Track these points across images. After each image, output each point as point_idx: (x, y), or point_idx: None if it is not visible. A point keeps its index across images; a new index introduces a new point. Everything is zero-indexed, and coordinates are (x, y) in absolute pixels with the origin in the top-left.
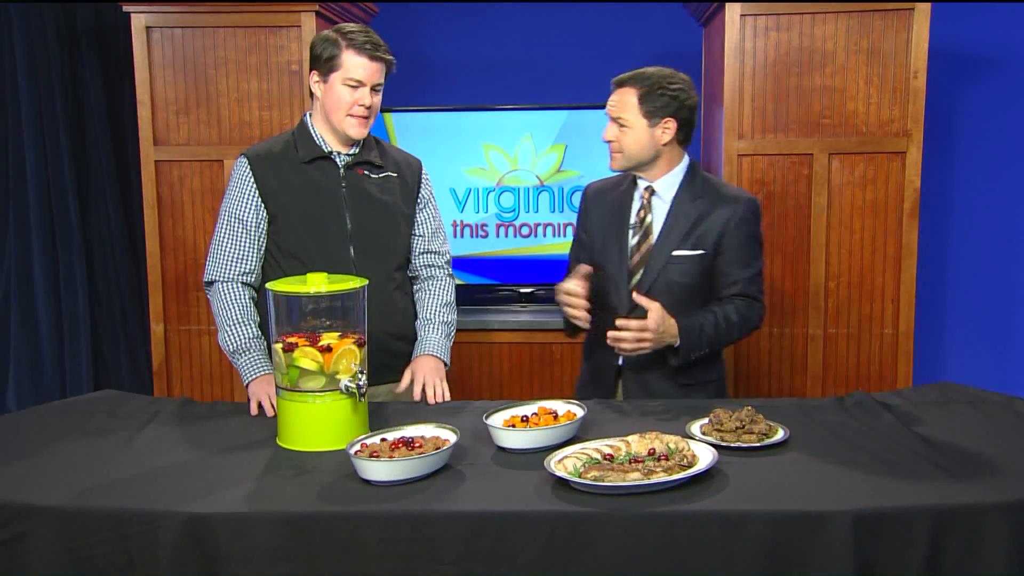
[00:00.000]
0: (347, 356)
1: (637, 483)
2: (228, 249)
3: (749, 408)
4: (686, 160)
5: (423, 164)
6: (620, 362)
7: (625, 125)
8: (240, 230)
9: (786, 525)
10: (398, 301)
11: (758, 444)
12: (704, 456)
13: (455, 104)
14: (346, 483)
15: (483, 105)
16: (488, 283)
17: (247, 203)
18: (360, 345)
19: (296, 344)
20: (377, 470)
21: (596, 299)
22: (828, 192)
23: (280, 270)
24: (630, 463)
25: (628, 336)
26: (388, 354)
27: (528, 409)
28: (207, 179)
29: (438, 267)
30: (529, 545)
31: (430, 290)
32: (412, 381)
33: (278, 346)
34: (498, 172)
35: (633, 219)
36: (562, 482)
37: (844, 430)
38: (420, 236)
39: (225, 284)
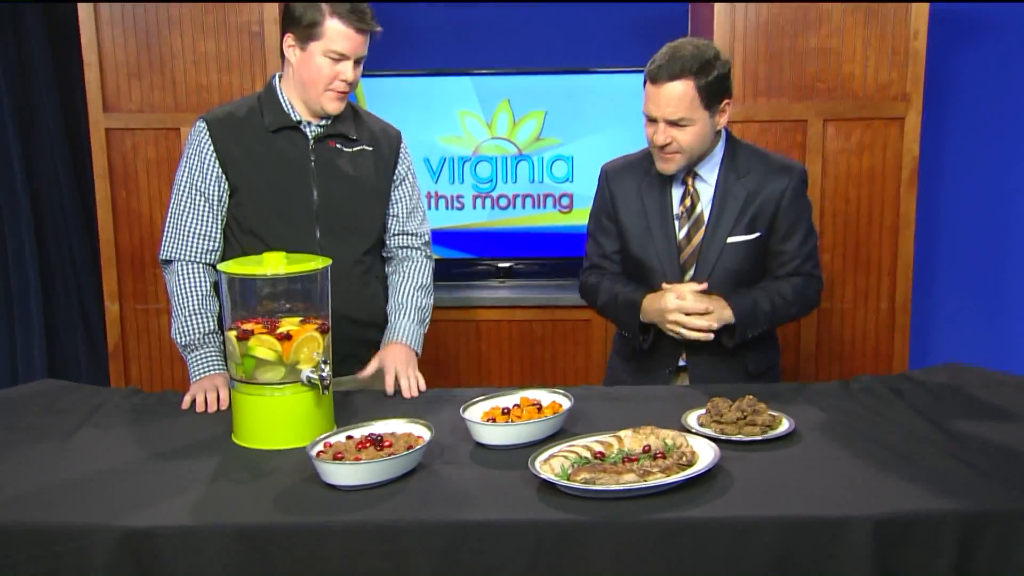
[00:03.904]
0: (309, 344)
1: (632, 486)
2: (190, 224)
3: (750, 397)
4: (723, 132)
5: (403, 136)
6: (682, 362)
7: (687, 124)
8: (202, 203)
9: (800, 532)
10: (368, 286)
11: (762, 437)
12: (704, 453)
13: (429, 68)
14: (308, 488)
15: (458, 69)
16: (464, 257)
17: (207, 172)
18: (323, 332)
19: (252, 331)
20: (342, 474)
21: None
22: (822, 160)
23: (239, 248)
24: (623, 462)
25: (690, 322)
26: (355, 343)
27: (509, 400)
28: (163, 148)
29: (415, 248)
30: (513, 558)
31: (404, 272)
32: (381, 371)
33: (232, 333)
34: (475, 140)
35: (677, 209)
36: (549, 485)
37: (854, 419)
38: (395, 216)
39: (185, 265)
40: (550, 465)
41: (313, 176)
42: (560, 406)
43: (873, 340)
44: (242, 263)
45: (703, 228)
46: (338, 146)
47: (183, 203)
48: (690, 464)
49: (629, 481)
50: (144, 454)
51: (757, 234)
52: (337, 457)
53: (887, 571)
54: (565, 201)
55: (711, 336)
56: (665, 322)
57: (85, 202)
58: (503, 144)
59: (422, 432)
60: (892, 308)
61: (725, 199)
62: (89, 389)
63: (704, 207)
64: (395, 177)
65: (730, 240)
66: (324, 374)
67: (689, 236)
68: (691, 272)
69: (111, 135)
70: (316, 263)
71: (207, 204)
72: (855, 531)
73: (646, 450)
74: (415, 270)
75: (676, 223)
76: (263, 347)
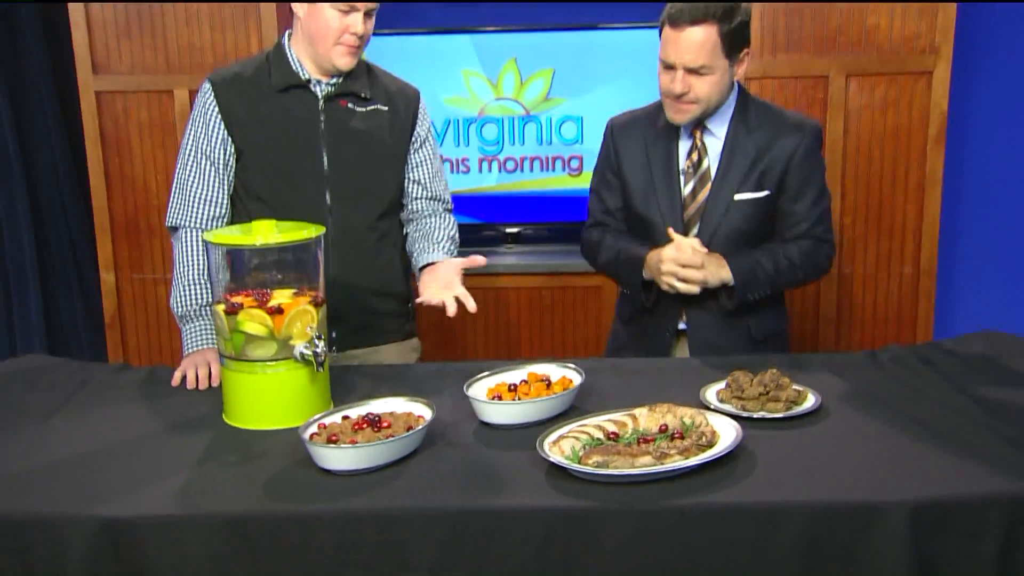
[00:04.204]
0: (302, 318)
1: (648, 470)
2: (195, 189)
3: (774, 370)
4: (736, 85)
5: (421, 95)
6: (682, 325)
7: (707, 72)
8: (208, 167)
9: (830, 518)
10: (382, 253)
11: (786, 414)
12: (725, 432)
13: (431, 26)
14: (300, 472)
15: (462, 27)
16: (470, 222)
17: (213, 135)
18: (317, 304)
19: (240, 305)
20: (336, 458)
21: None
22: (844, 117)
23: (246, 215)
24: (639, 443)
25: (684, 273)
26: (369, 313)
27: (516, 375)
28: (155, 111)
29: (439, 211)
30: (520, 548)
31: (432, 223)
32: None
33: (219, 307)
34: (480, 101)
35: (683, 163)
36: (558, 469)
37: (884, 393)
38: (417, 181)
39: (190, 232)
40: (560, 447)
41: (323, 137)
42: (570, 382)
43: (896, 305)
44: (229, 232)
45: (709, 184)
46: (350, 106)
47: (188, 168)
48: (710, 445)
49: (645, 464)
50: (128, 435)
51: (765, 192)
52: (331, 440)
53: (925, 560)
54: (575, 163)
55: (697, 289)
56: (660, 274)
57: (79, 169)
58: (510, 105)
59: (423, 411)
60: (916, 272)
61: (733, 154)
62: (75, 365)
63: (711, 162)
64: (414, 139)
65: (737, 197)
66: (318, 350)
67: (694, 192)
68: (695, 229)
69: (101, 98)
70: (309, 231)
71: (213, 168)
72: (891, 517)
73: (663, 429)
74: (444, 223)
75: (682, 178)
76: (253, 322)
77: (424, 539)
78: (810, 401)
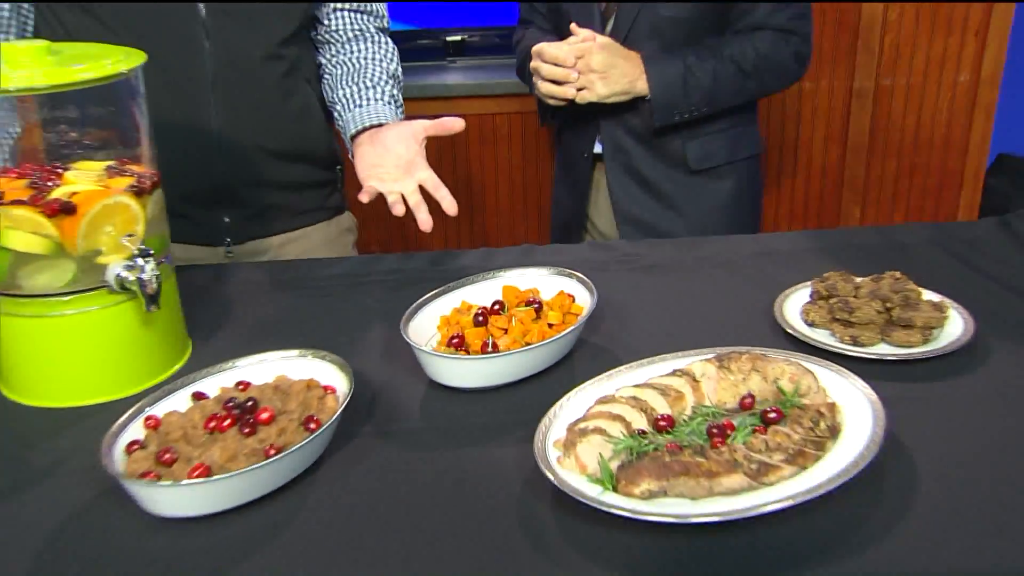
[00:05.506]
0: (114, 218)
1: (743, 506)
2: None
3: (895, 274)
4: None
5: None
6: (597, 147)
7: None
8: None
9: None
10: (292, 95)
11: (927, 351)
12: (852, 403)
13: None
14: (109, 517)
15: None
16: (400, 29)
17: None
18: (143, 191)
19: (0, 196)
20: (174, 500)
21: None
22: None
23: (61, 31)
24: (712, 439)
25: (545, 70)
26: (274, 188)
27: (482, 290)
28: None
29: (370, 34)
30: None
31: (363, 52)
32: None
33: None
34: None
35: None
36: (578, 504)
37: None
38: None
39: None
40: (576, 455)
41: None
42: (571, 301)
43: (944, 125)
44: None
45: None
46: None
47: None
48: (833, 433)
49: (733, 489)
50: None
51: None
52: (164, 460)
53: None
54: None
55: (561, 102)
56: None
57: None
58: None
59: (331, 376)
60: (975, 81)
61: None
62: None
63: None
64: None
65: None
66: (146, 275)
67: None
68: (611, 23)
69: None
70: (115, 62)
71: None
72: None
73: (746, 405)
74: (380, 51)
75: None
76: (20, 229)
77: None
78: (957, 325)
